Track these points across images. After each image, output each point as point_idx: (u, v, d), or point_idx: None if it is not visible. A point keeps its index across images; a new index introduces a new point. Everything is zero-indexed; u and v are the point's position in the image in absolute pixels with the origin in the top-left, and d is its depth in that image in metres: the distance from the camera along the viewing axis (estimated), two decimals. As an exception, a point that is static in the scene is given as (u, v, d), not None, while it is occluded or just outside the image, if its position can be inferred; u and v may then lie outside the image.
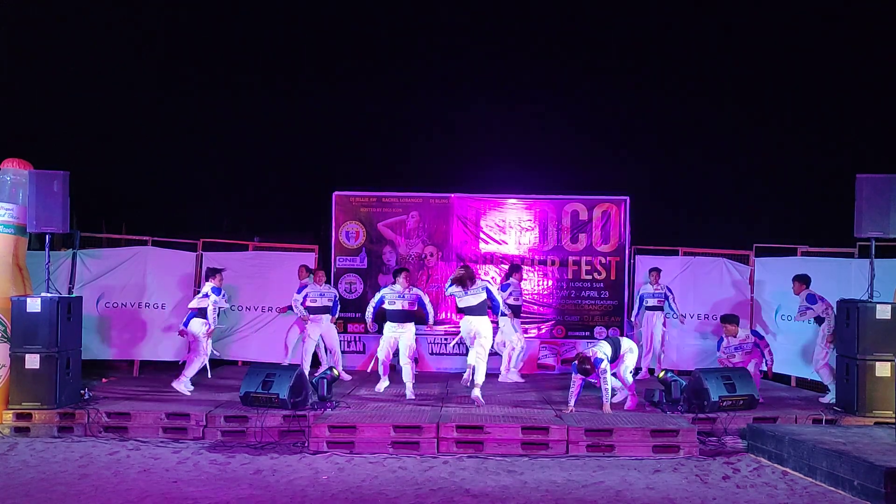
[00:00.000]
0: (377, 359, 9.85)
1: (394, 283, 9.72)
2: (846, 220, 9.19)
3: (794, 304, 10.91)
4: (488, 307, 9.31)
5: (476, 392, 9.06)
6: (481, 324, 9.16)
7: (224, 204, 16.19)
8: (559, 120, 16.04)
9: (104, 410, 8.66)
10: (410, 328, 9.71)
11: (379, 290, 9.97)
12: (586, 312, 12.20)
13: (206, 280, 9.89)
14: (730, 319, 9.81)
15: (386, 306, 9.66)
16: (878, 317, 8.73)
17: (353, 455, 7.85)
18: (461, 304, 9.25)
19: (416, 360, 11.89)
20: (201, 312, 9.68)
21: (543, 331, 12.05)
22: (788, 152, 15.41)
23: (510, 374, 10.92)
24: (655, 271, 11.32)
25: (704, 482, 7.09)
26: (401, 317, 9.64)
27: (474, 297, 9.13)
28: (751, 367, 9.52)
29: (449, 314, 12.14)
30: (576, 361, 8.77)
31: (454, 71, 16.37)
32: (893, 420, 8.11)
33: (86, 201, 11.31)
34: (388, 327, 9.69)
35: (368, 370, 10.62)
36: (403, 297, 9.62)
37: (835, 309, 9.34)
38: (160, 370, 11.47)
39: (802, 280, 9.92)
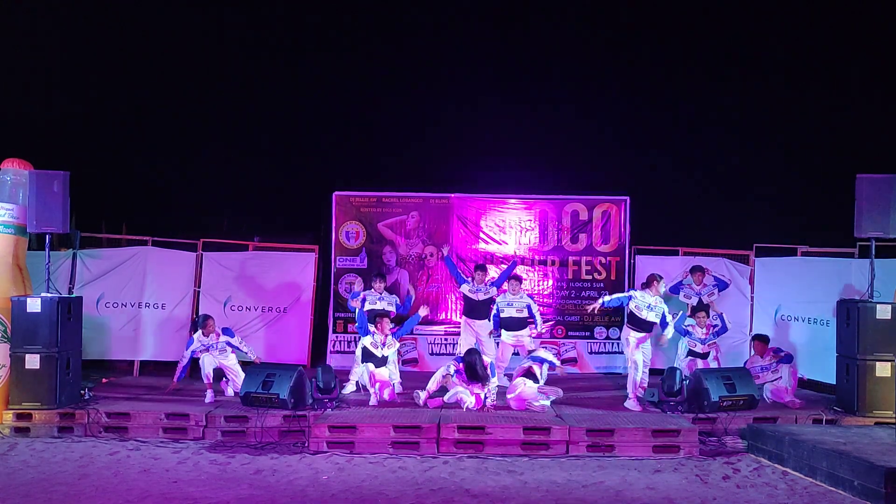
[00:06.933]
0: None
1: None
2: (846, 220, 9.18)
3: (794, 304, 10.93)
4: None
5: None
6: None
7: (224, 204, 16.15)
8: (560, 120, 16.01)
9: (104, 410, 8.66)
10: None
11: None
12: (586, 312, 12.18)
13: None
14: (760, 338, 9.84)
15: None
16: (878, 317, 8.74)
17: (353, 455, 7.85)
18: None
19: (415, 359, 11.97)
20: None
21: (543, 331, 12.00)
22: (788, 152, 15.40)
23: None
24: None
25: (704, 482, 7.09)
26: None
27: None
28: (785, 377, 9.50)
29: (448, 314, 12.13)
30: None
31: (454, 71, 16.34)
32: (893, 420, 8.13)
33: (86, 201, 11.27)
34: None
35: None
36: None
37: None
38: (160, 370, 11.47)
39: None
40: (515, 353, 10.46)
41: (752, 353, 9.92)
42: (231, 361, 9.79)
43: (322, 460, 7.69)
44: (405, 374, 11.45)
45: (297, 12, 16.61)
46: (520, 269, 12.24)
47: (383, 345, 9.72)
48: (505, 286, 10.58)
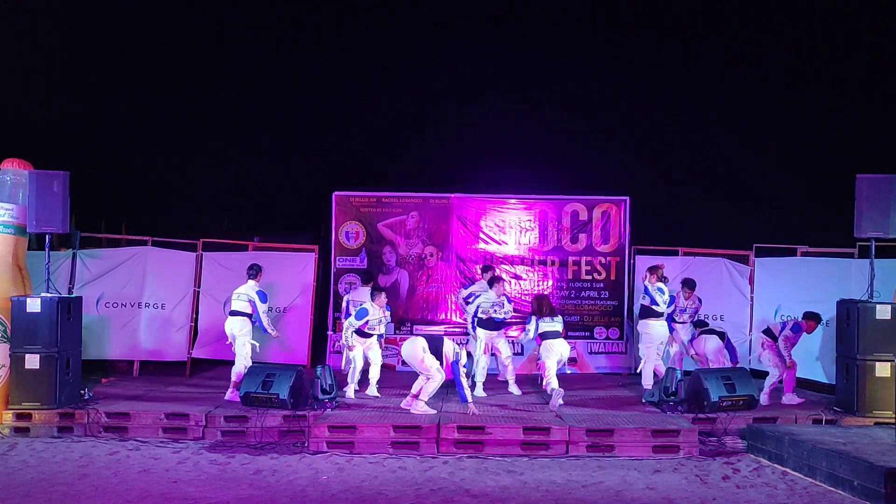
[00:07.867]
0: None
1: None
2: (846, 220, 9.19)
3: (794, 304, 10.91)
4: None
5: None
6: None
7: (224, 204, 16.17)
8: (560, 120, 16.04)
9: (104, 410, 8.65)
10: None
11: None
12: (586, 312, 12.19)
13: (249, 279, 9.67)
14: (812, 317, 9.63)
15: None
16: (878, 317, 8.73)
17: (353, 455, 7.85)
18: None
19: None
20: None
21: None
22: (789, 152, 15.42)
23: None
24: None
25: (704, 482, 7.09)
26: None
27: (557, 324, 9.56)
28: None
29: (448, 314, 12.13)
30: None
31: (454, 71, 16.37)
32: (893, 420, 8.12)
33: (86, 201, 11.28)
34: None
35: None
36: None
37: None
38: (160, 370, 11.48)
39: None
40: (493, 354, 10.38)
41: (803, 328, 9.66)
42: None
43: (322, 460, 7.69)
44: (405, 375, 11.45)
45: (297, 12, 16.63)
46: (519, 269, 12.28)
47: (378, 322, 9.62)
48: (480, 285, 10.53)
